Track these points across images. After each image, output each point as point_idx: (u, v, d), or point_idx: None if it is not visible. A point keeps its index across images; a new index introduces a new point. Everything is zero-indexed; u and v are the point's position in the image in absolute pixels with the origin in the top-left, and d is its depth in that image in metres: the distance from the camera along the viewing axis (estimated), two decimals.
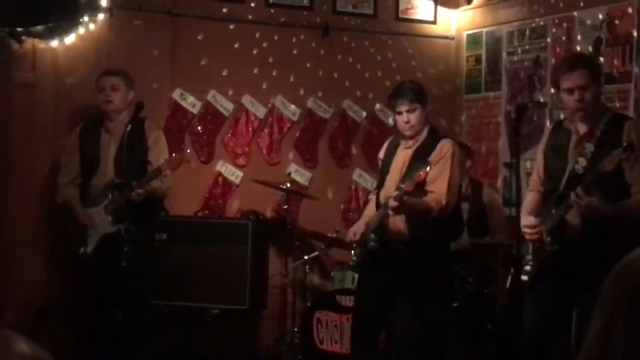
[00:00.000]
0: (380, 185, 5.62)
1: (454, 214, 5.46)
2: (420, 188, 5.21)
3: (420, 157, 5.32)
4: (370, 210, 5.70)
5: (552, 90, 6.61)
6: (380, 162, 5.75)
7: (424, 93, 5.52)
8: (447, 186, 5.24)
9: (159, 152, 6.05)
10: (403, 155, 5.48)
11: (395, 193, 5.15)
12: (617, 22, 6.17)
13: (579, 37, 6.48)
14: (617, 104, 5.99)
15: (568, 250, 4.62)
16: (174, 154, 6.10)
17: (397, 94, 5.47)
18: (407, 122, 5.38)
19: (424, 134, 5.45)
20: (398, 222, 5.33)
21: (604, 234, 4.51)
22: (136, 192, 5.67)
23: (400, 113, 5.40)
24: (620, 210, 4.52)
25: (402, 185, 5.14)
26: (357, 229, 5.62)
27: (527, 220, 4.78)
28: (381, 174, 5.66)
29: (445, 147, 5.35)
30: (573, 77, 4.65)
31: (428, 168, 5.03)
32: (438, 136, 5.51)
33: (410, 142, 5.47)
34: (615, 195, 4.53)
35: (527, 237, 4.77)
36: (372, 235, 5.40)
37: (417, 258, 5.27)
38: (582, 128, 4.69)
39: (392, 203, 5.14)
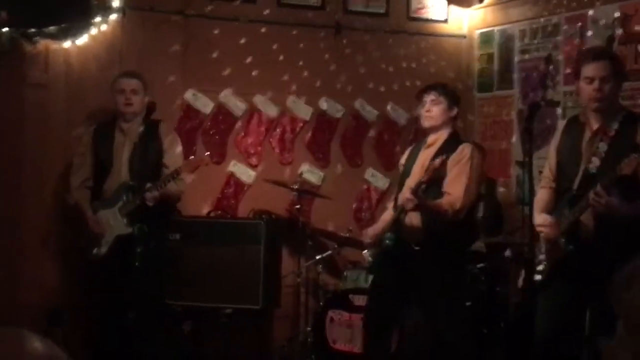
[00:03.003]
0: (399, 189, 5.60)
1: (468, 220, 5.45)
2: (437, 188, 5.22)
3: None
4: (388, 215, 5.70)
5: (562, 92, 6.61)
6: (401, 168, 5.75)
7: (454, 95, 5.60)
8: (464, 190, 5.24)
9: (174, 155, 6.08)
10: (423, 157, 5.48)
11: (406, 191, 5.15)
12: (630, 19, 6.15)
13: (591, 35, 6.46)
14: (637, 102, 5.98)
15: (582, 251, 4.60)
16: (191, 157, 6.12)
17: (427, 86, 5.60)
18: (428, 112, 5.42)
19: (444, 134, 5.46)
20: (413, 218, 5.32)
21: (617, 235, 4.48)
22: (151, 195, 5.69)
23: (424, 104, 5.46)
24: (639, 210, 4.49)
25: (422, 186, 5.15)
26: (373, 232, 5.62)
27: (541, 218, 4.75)
28: (401, 178, 5.65)
29: (465, 149, 5.36)
30: (596, 66, 4.63)
31: (444, 156, 5.03)
32: (458, 140, 5.51)
33: (430, 140, 5.48)
34: (630, 195, 4.51)
35: (543, 235, 4.75)
36: (388, 234, 5.40)
37: (431, 259, 5.27)
38: (596, 124, 4.67)
39: (406, 194, 5.14)
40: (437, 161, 5.05)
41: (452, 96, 5.54)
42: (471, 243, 5.86)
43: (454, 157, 5.32)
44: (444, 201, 5.20)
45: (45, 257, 6.39)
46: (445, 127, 5.47)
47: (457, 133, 5.60)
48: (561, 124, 5.18)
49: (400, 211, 5.33)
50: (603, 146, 4.58)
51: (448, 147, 5.38)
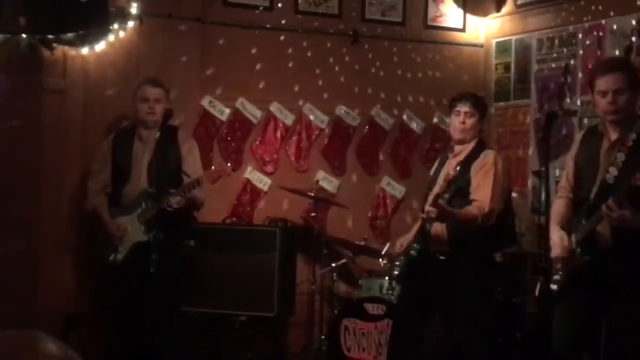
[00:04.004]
0: (425, 198, 5.58)
1: (500, 223, 5.43)
2: (461, 198, 5.21)
3: (465, 168, 5.32)
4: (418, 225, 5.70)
5: (579, 102, 6.59)
6: (430, 178, 5.76)
7: (486, 107, 5.63)
8: (491, 193, 5.22)
9: (193, 162, 6.07)
10: (448, 167, 5.46)
11: (427, 204, 5.12)
12: None
13: (608, 45, 6.44)
14: None
15: (598, 261, 4.57)
16: (212, 167, 6.11)
17: (462, 95, 5.56)
18: (463, 123, 5.40)
19: (472, 144, 5.46)
20: (438, 228, 5.32)
21: (635, 245, 4.46)
22: (175, 200, 5.69)
23: (458, 113, 5.43)
24: None
25: (445, 195, 5.13)
26: (403, 241, 5.63)
27: (556, 236, 4.71)
28: (427, 188, 5.63)
29: (488, 156, 5.36)
30: (608, 79, 4.57)
31: (458, 168, 5.01)
32: (483, 147, 5.51)
33: (457, 150, 5.47)
34: None
35: (552, 254, 4.70)
36: (414, 245, 5.40)
37: (456, 268, 5.26)
38: (614, 135, 4.64)
39: (428, 208, 5.13)
40: (452, 173, 5.02)
41: (484, 109, 5.57)
42: (498, 250, 5.83)
43: (477, 163, 5.32)
44: (473, 207, 5.19)
45: (63, 263, 6.40)
46: (473, 138, 5.48)
47: (482, 142, 5.60)
48: (579, 134, 5.15)
49: (425, 222, 5.31)
50: (621, 156, 4.55)
51: (473, 156, 5.38)
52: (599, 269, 4.55)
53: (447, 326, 5.56)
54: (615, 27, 6.40)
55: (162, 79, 6.20)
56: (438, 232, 5.33)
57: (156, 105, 5.99)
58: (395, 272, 5.69)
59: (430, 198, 5.33)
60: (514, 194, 6.89)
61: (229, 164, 6.52)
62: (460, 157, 5.43)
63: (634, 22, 6.24)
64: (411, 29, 7.65)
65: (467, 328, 5.38)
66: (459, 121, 5.43)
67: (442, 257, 5.32)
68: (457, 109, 5.44)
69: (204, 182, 5.80)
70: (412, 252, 5.39)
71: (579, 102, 6.67)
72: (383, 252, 5.84)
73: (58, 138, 6.39)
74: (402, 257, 5.59)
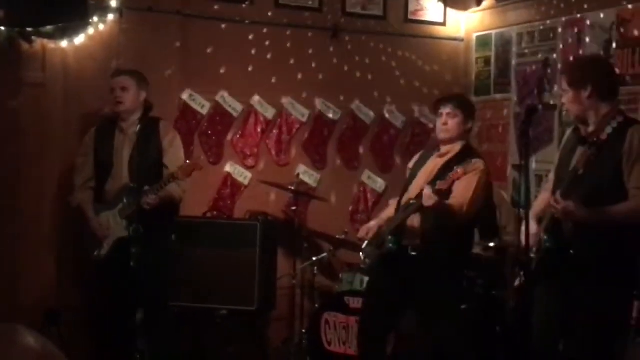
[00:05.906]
0: (404, 191, 5.60)
1: (467, 229, 5.47)
2: (447, 193, 5.22)
3: (449, 168, 5.32)
4: (388, 213, 5.69)
5: (559, 96, 6.62)
6: (408, 172, 5.76)
7: (470, 108, 5.62)
8: (471, 197, 5.24)
9: (175, 154, 6.00)
10: (433, 164, 5.50)
11: (427, 188, 5.12)
12: (627, 24, 6.16)
13: (588, 39, 6.47)
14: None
15: (563, 248, 4.62)
16: (187, 161, 6.09)
17: (444, 97, 5.65)
18: (445, 124, 5.44)
19: (458, 147, 5.48)
20: (414, 221, 5.34)
21: (595, 232, 4.49)
22: (148, 200, 5.65)
23: (441, 115, 5.48)
24: (599, 216, 4.46)
25: (429, 186, 5.13)
26: (369, 228, 5.61)
27: (531, 227, 4.77)
28: (407, 181, 5.64)
29: (477, 164, 5.34)
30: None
31: (463, 166, 5.01)
32: (472, 153, 5.50)
33: (443, 151, 5.49)
34: (615, 201, 4.50)
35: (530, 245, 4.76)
36: (390, 237, 5.40)
37: (427, 264, 5.27)
38: (592, 129, 4.69)
39: (428, 192, 5.09)
40: (459, 171, 4.98)
41: (468, 109, 5.56)
42: (467, 251, 5.86)
43: (464, 167, 5.31)
44: (454, 202, 5.20)
45: (44, 257, 6.38)
46: (459, 140, 5.49)
47: (470, 146, 5.61)
48: (568, 131, 5.21)
49: (417, 208, 5.27)
50: (593, 150, 4.59)
51: (461, 159, 5.38)
52: (563, 256, 4.59)
53: (423, 321, 5.57)
54: (594, 21, 6.42)
55: (141, 70, 6.11)
56: (414, 224, 5.34)
57: (123, 94, 5.90)
58: (364, 262, 5.68)
59: (413, 189, 5.40)
60: (501, 192, 6.94)
61: (202, 157, 6.49)
62: (446, 158, 5.44)
63: (612, 17, 6.26)
64: (392, 23, 7.65)
65: (443, 322, 5.39)
66: (441, 122, 5.48)
67: (413, 253, 5.33)
68: (440, 111, 5.51)
69: (179, 177, 5.75)
70: (390, 245, 5.38)
71: (558, 96, 6.69)
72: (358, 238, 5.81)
73: (38, 132, 6.37)
74: (370, 247, 5.58)
